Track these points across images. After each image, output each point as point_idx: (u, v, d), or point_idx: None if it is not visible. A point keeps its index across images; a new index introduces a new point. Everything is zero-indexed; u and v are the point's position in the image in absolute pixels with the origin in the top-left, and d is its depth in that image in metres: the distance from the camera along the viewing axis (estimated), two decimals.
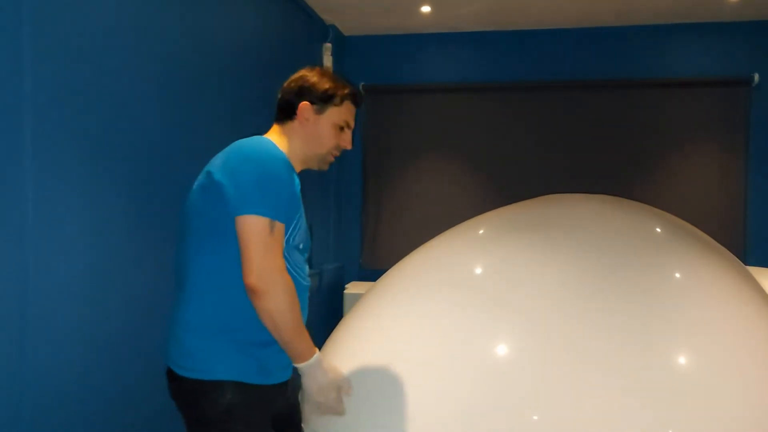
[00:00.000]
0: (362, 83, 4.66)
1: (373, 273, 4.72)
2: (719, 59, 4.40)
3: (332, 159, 1.59)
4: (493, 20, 4.44)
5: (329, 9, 4.23)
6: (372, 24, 4.57)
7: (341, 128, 1.55)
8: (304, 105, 1.52)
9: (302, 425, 1.65)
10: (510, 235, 1.97)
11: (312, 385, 1.44)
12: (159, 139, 2.47)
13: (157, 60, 2.45)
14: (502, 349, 1.62)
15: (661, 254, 1.84)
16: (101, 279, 2.14)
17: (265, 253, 1.34)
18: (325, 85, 1.53)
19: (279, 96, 1.58)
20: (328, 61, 4.35)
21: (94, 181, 2.10)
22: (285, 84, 1.58)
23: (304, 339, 1.40)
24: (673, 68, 4.45)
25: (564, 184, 4.12)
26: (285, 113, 1.55)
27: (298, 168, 1.55)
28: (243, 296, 1.37)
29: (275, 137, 1.54)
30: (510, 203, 2.35)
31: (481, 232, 2.06)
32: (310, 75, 1.56)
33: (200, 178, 1.46)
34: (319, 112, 1.53)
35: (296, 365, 1.42)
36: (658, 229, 1.96)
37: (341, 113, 1.54)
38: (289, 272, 1.42)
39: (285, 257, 1.42)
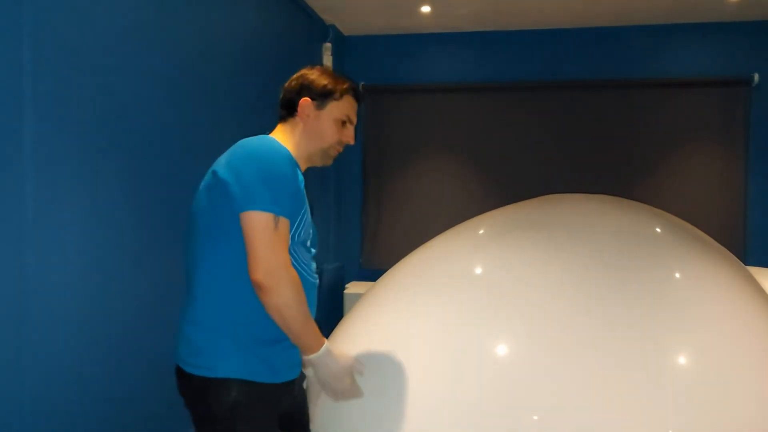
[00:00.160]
0: (362, 83, 4.66)
1: (373, 273, 4.72)
2: (719, 59, 4.40)
3: (335, 154, 1.59)
4: (493, 20, 4.44)
5: (329, 9, 4.23)
6: (372, 24, 4.57)
7: (343, 123, 1.57)
8: (305, 101, 1.54)
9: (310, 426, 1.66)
10: (510, 235, 1.97)
11: (326, 373, 1.45)
12: (159, 138, 2.47)
13: (157, 60, 2.45)
14: (502, 349, 1.62)
15: (661, 254, 1.84)
16: (101, 279, 2.14)
17: (270, 249, 1.35)
18: (324, 81, 1.56)
19: (281, 95, 1.60)
20: (328, 61, 4.35)
21: (95, 181, 2.10)
22: (286, 83, 1.61)
23: (313, 331, 1.42)
24: (673, 68, 4.45)
25: (564, 184, 4.13)
26: (287, 111, 1.58)
27: (303, 165, 1.56)
28: (250, 293, 1.38)
29: (279, 136, 1.56)
30: (510, 203, 2.35)
31: (481, 232, 2.06)
32: (309, 73, 1.58)
33: (206, 177, 1.48)
34: (320, 107, 1.55)
35: (307, 357, 1.43)
36: (658, 229, 1.96)
37: (342, 108, 1.56)
38: (296, 269, 1.43)
39: (291, 254, 1.43)
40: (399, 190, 4.80)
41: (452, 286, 1.81)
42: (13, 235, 1.78)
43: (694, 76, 4.41)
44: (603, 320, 1.63)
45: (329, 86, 1.55)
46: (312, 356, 1.42)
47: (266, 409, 1.45)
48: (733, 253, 2.12)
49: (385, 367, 1.63)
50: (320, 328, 1.48)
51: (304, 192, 1.49)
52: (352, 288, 4.47)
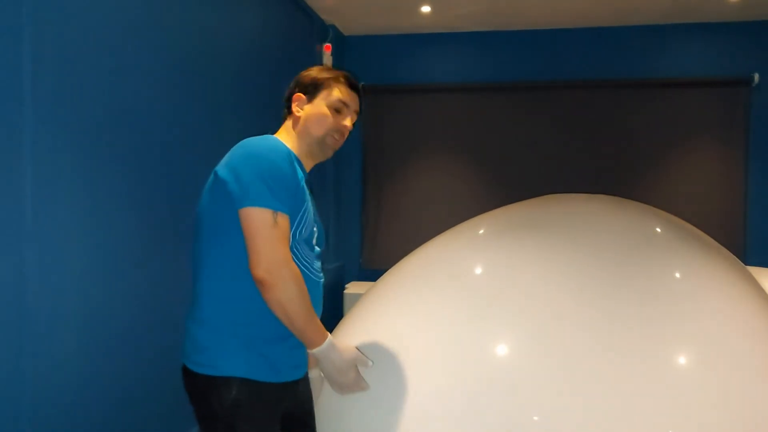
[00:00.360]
0: (362, 83, 4.66)
1: (373, 273, 4.73)
2: (719, 59, 4.40)
3: (332, 143, 1.57)
4: (493, 20, 4.44)
5: (329, 9, 4.23)
6: (372, 24, 4.57)
7: (337, 111, 1.57)
8: (296, 96, 1.58)
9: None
10: (510, 235, 1.97)
11: (330, 367, 1.45)
12: (159, 137, 2.47)
13: (157, 60, 2.45)
14: (502, 349, 1.62)
15: (661, 254, 1.84)
16: (101, 279, 2.14)
17: (269, 244, 1.35)
18: (314, 74, 1.59)
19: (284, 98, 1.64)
20: (328, 61, 4.35)
21: (95, 181, 2.10)
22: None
23: (317, 325, 1.42)
24: (674, 68, 4.45)
25: (564, 184, 4.13)
26: (287, 110, 1.61)
27: (306, 162, 1.57)
28: (252, 292, 1.38)
29: (282, 135, 1.58)
30: (510, 203, 2.35)
31: (481, 231, 2.06)
32: (305, 71, 1.62)
33: (209, 178, 1.48)
34: (310, 99, 1.57)
35: (310, 351, 1.43)
36: (659, 229, 1.96)
37: (333, 95, 1.57)
38: (299, 268, 1.43)
39: (293, 251, 1.43)
40: (399, 190, 4.80)
41: (452, 286, 1.81)
42: (13, 235, 1.78)
43: (694, 76, 4.41)
44: (603, 320, 1.63)
45: (318, 78, 1.57)
46: (316, 350, 1.42)
47: (268, 408, 1.45)
48: (733, 253, 2.12)
49: (385, 367, 1.63)
50: None
51: (306, 189, 1.49)
52: (352, 288, 4.47)
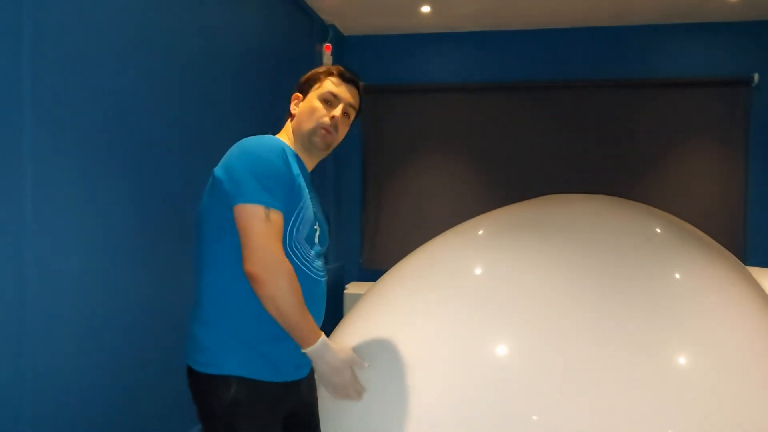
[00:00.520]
0: (362, 83, 4.66)
1: (373, 273, 4.73)
2: (719, 59, 4.40)
3: (323, 134, 1.55)
4: (493, 20, 4.44)
5: (329, 9, 4.23)
6: (372, 24, 4.57)
7: (327, 102, 1.58)
8: (294, 95, 1.62)
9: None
10: (510, 235, 1.97)
11: (324, 367, 1.44)
12: (159, 138, 2.47)
13: (157, 60, 2.45)
14: (502, 350, 1.62)
15: (661, 254, 1.84)
16: (101, 279, 2.14)
17: (261, 240, 1.35)
18: (308, 73, 1.63)
19: None
20: (328, 61, 4.35)
21: (95, 181, 2.10)
22: None
23: (310, 323, 1.41)
24: (674, 68, 4.45)
25: (564, 184, 4.13)
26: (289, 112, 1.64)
27: (307, 160, 1.58)
28: (252, 291, 1.38)
29: (282, 134, 1.60)
30: (510, 203, 2.35)
31: (480, 232, 2.06)
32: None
33: (210, 179, 1.49)
34: (305, 95, 1.60)
35: (303, 350, 1.42)
36: (658, 229, 1.96)
37: (323, 87, 1.59)
38: (297, 266, 1.43)
39: (292, 250, 1.43)
40: (399, 190, 4.80)
41: (452, 286, 1.81)
42: (13, 235, 1.78)
43: (694, 76, 4.41)
44: (603, 320, 1.63)
45: (310, 75, 1.61)
46: (309, 349, 1.41)
47: (267, 408, 1.45)
48: (733, 253, 2.13)
49: (384, 367, 1.63)
50: (321, 328, 1.48)
51: (304, 187, 1.49)
52: (352, 288, 4.47)
